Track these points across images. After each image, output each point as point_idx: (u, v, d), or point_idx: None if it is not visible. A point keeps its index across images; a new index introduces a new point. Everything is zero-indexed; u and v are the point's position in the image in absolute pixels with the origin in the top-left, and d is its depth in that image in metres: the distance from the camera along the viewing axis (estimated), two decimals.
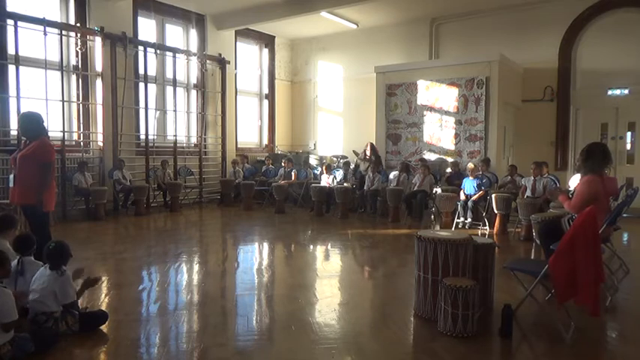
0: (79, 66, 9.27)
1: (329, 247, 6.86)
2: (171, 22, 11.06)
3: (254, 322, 3.77)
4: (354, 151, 11.67)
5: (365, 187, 9.48)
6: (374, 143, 10.60)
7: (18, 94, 8.20)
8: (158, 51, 10.55)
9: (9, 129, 8.29)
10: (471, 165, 8.29)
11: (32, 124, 4.60)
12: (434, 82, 10.04)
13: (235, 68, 12.28)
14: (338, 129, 13.20)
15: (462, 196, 8.02)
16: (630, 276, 5.02)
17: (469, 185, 8.05)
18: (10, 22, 8.11)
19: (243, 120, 12.85)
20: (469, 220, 7.96)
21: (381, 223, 8.77)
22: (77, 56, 9.22)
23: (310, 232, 8.00)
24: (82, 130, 9.47)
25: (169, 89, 10.87)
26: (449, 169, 9.53)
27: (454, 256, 3.63)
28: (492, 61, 9.35)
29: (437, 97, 10.00)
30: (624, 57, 9.53)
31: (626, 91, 9.69)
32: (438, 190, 8.86)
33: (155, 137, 10.58)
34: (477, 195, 7.88)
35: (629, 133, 9.95)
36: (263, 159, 11.98)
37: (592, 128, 10.12)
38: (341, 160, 11.48)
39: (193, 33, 11.46)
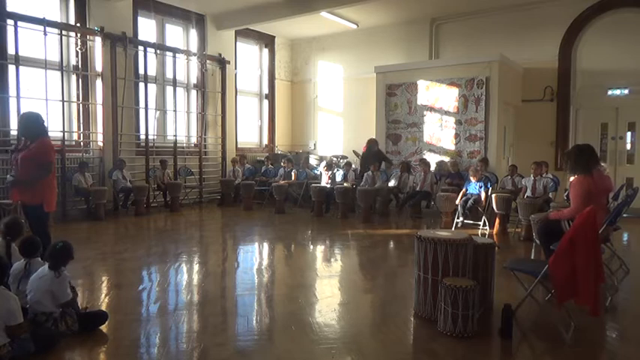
0: (79, 66, 9.26)
1: (329, 247, 6.85)
2: (171, 22, 11.06)
3: (254, 322, 3.77)
4: (354, 151, 11.67)
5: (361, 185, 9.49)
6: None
7: (18, 94, 8.19)
8: (158, 51, 10.55)
9: (9, 129, 8.28)
10: (472, 168, 8.25)
11: (32, 124, 4.59)
12: (434, 82, 10.04)
13: (235, 68, 12.28)
14: (338, 129, 13.19)
15: (459, 198, 7.97)
16: (630, 276, 5.01)
17: (472, 188, 8.01)
18: (10, 22, 8.10)
19: (243, 120, 12.85)
20: (467, 220, 7.92)
21: (381, 222, 8.77)
22: (77, 56, 9.22)
23: (310, 232, 7.99)
24: (82, 130, 9.47)
25: (169, 89, 10.86)
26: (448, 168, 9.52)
27: (454, 256, 3.63)
28: (492, 61, 9.34)
29: (437, 97, 9.99)
30: (624, 57, 9.53)
31: (626, 91, 9.68)
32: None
33: (155, 137, 10.57)
34: (483, 198, 7.80)
35: (629, 133, 9.93)
36: (263, 159, 11.98)
37: (592, 128, 10.11)
38: (341, 160, 11.48)
39: (193, 33, 11.46)
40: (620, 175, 9.71)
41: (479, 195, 7.81)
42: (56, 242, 3.55)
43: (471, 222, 7.80)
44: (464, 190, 8.01)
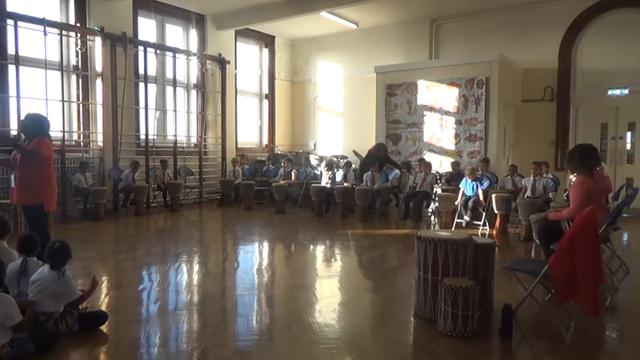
0: (79, 66, 9.26)
1: (329, 247, 6.85)
2: (171, 22, 11.06)
3: (254, 322, 3.77)
4: (354, 151, 11.67)
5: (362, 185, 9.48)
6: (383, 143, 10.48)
7: (18, 94, 8.19)
8: (158, 51, 10.55)
9: (9, 129, 8.28)
10: (469, 167, 8.23)
11: (32, 123, 4.61)
12: (434, 82, 10.04)
13: (235, 68, 12.28)
14: (338, 129, 13.19)
15: (459, 197, 7.96)
16: (630, 276, 5.02)
17: (468, 187, 8.01)
18: (10, 22, 8.10)
19: (243, 120, 12.85)
20: (468, 219, 7.91)
21: (380, 222, 8.77)
22: (77, 56, 9.22)
23: (310, 232, 7.99)
24: (82, 130, 9.47)
25: (169, 89, 10.86)
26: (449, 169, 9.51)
27: (454, 256, 3.63)
28: (492, 61, 9.34)
29: (437, 97, 9.99)
30: (624, 57, 9.53)
31: (626, 91, 9.68)
32: (438, 190, 8.84)
33: (155, 137, 10.58)
34: (482, 197, 7.77)
35: (629, 133, 9.93)
36: (263, 159, 11.97)
37: (592, 128, 10.11)
38: (341, 160, 11.47)
39: (193, 33, 11.46)
40: (620, 175, 9.72)
41: (477, 196, 7.81)
42: (53, 242, 3.54)
43: (471, 221, 7.80)
44: (462, 190, 8.01)
